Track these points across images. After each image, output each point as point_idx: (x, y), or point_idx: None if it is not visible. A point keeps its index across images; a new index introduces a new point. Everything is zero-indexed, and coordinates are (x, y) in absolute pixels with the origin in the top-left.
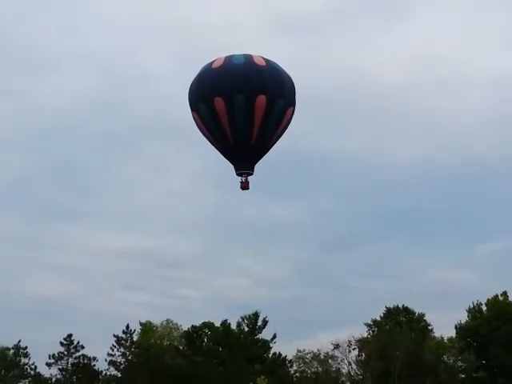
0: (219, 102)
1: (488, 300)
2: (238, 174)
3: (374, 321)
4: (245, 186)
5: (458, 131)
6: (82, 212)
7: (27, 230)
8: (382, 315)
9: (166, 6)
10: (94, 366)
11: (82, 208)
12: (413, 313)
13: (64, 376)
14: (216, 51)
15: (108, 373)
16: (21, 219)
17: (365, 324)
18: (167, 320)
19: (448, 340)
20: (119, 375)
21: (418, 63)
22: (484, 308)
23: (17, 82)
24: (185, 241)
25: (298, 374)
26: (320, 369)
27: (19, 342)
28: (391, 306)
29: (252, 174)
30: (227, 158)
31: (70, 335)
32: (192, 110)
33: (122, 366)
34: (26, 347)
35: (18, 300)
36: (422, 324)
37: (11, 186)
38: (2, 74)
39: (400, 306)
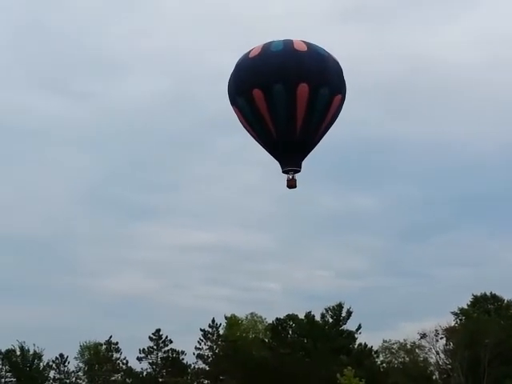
0: (258, 94)
1: None
2: (284, 172)
3: (461, 309)
4: (291, 184)
5: None
6: (162, 210)
7: (112, 230)
8: (469, 303)
9: (228, 2)
10: (183, 359)
11: (161, 206)
12: (501, 300)
13: (154, 370)
14: None
15: (196, 366)
16: (105, 220)
17: (451, 313)
18: (251, 313)
19: None
20: (207, 368)
21: (485, 45)
22: None
23: (90, 85)
24: (263, 234)
25: (384, 365)
26: (407, 359)
27: (111, 337)
28: (478, 294)
29: (299, 171)
30: (272, 155)
31: (158, 330)
32: (232, 105)
33: (209, 359)
34: (117, 342)
35: (108, 297)
36: (511, 311)
37: (91, 189)
38: (76, 77)
39: (488, 293)
